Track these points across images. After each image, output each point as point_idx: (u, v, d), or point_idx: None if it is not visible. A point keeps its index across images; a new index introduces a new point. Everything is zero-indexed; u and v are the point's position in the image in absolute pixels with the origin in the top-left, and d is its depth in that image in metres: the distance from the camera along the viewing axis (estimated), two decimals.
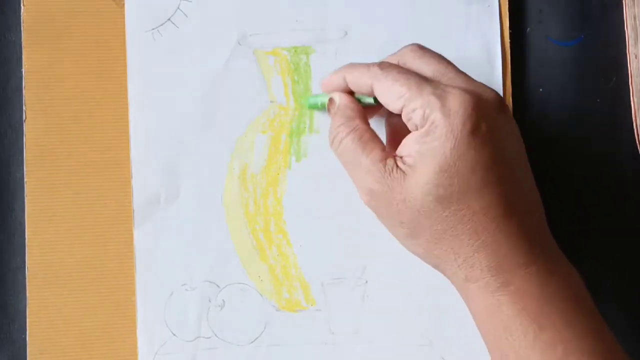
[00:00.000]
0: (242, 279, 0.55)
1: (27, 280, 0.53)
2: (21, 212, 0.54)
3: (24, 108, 0.54)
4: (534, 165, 0.57)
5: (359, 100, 0.50)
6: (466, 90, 0.45)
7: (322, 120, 0.56)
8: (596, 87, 0.58)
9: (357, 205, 0.55)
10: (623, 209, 0.57)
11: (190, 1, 0.55)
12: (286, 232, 0.55)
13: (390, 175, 0.45)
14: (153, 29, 0.55)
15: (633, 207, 0.57)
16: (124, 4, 0.55)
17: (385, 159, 0.46)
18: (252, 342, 0.54)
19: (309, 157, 0.55)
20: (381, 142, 0.48)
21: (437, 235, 0.45)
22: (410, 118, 0.45)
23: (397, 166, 0.45)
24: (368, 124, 0.49)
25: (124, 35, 0.54)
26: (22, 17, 0.54)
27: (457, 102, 0.44)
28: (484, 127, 0.44)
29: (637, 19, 0.57)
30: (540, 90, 0.57)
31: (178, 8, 0.55)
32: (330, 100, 0.51)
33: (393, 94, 0.46)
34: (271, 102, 0.55)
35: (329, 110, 0.51)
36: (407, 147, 0.45)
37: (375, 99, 0.49)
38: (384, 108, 0.48)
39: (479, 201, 0.44)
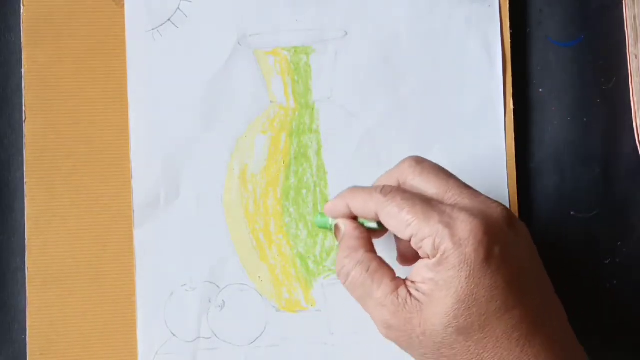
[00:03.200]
0: (242, 280, 0.55)
1: (27, 280, 0.53)
2: (21, 212, 0.53)
3: (24, 108, 0.54)
4: (531, 162, 0.57)
5: (362, 225, 0.49)
6: (473, 213, 0.44)
7: (322, 120, 0.56)
8: (596, 87, 0.58)
9: None
10: (623, 209, 0.57)
11: (190, 1, 0.55)
12: (286, 232, 0.55)
13: (405, 306, 0.44)
14: (153, 29, 0.55)
15: (633, 207, 0.57)
16: (124, 4, 0.55)
17: (397, 288, 0.45)
18: (252, 343, 0.54)
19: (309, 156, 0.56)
20: (389, 269, 0.47)
21: None
22: (421, 247, 0.44)
23: (411, 294, 0.44)
24: (374, 251, 0.48)
25: (124, 35, 0.54)
26: (22, 17, 0.54)
27: (466, 230, 0.43)
28: (497, 250, 0.43)
29: (637, 19, 0.57)
30: (540, 90, 0.57)
31: (178, 8, 0.55)
32: (336, 227, 0.49)
33: (400, 223, 0.45)
34: (271, 102, 0.56)
35: (335, 236, 0.50)
36: (421, 274, 0.44)
37: (379, 223, 0.47)
38: None
39: (501, 327, 0.43)
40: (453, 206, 0.45)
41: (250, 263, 0.55)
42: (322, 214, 0.51)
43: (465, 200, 0.45)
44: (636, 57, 0.57)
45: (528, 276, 0.45)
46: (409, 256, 0.49)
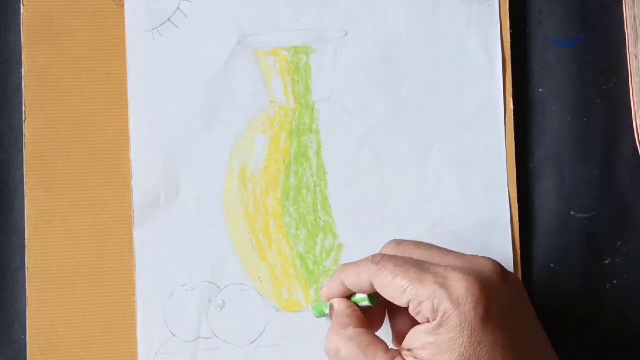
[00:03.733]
0: (242, 280, 0.55)
1: (27, 280, 0.53)
2: (21, 212, 0.53)
3: (24, 108, 0.53)
4: (531, 162, 0.57)
5: (356, 304, 0.48)
6: (466, 271, 0.43)
7: (322, 120, 0.56)
8: (596, 87, 0.58)
9: (358, 205, 0.55)
10: (623, 209, 0.57)
11: (190, 1, 0.55)
12: (286, 232, 0.55)
13: None
14: (153, 29, 0.55)
15: (633, 207, 0.57)
16: (124, 4, 0.55)
17: (393, 359, 0.44)
18: (252, 343, 0.54)
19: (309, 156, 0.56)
20: (382, 342, 0.46)
21: None
22: (420, 311, 0.44)
23: None
24: (365, 326, 0.47)
25: (124, 35, 0.54)
26: (22, 17, 0.54)
27: (462, 289, 0.43)
28: (495, 307, 0.43)
29: (637, 19, 0.57)
30: (540, 90, 0.57)
31: (178, 8, 0.55)
32: (331, 306, 0.49)
33: (396, 289, 0.44)
34: (271, 102, 0.55)
35: (330, 316, 0.49)
36: (419, 339, 0.44)
37: (370, 299, 0.47)
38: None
39: None
40: (445, 267, 0.44)
41: (250, 263, 0.55)
42: (317, 305, 0.51)
43: (453, 261, 0.45)
44: (636, 57, 0.57)
45: (526, 330, 0.45)
46: (404, 329, 0.48)
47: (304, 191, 0.55)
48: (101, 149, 0.54)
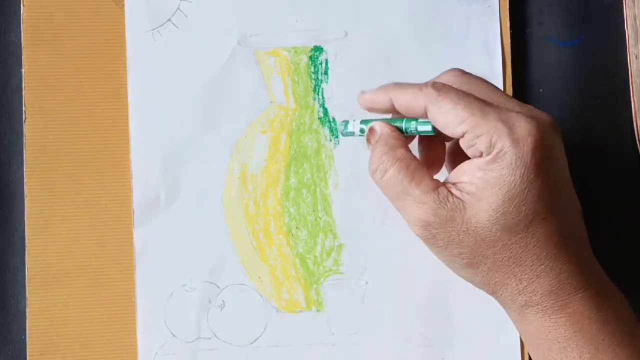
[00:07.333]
0: (242, 280, 0.55)
1: (27, 280, 0.53)
2: (21, 212, 0.53)
3: (23, 108, 0.54)
4: None
5: (401, 131, 0.47)
6: (529, 116, 0.44)
7: (321, 121, 0.56)
8: (596, 87, 0.58)
9: (358, 205, 0.55)
10: (623, 209, 0.57)
11: (190, 1, 0.55)
12: (286, 232, 0.55)
13: (446, 204, 0.44)
14: (153, 29, 0.55)
15: (633, 207, 0.57)
16: (124, 4, 0.55)
17: (437, 187, 0.44)
18: (252, 343, 0.54)
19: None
20: (427, 171, 0.46)
21: (499, 263, 0.44)
22: (474, 144, 0.43)
23: (452, 194, 0.44)
24: (412, 153, 0.47)
25: (124, 35, 0.55)
26: (22, 17, 0.54)
27: (525, 130, 0.43)
28: (549, 154, 0.44)
29: (637, 19, 0.57)
30: (540, 90, 0.57)
31: (178, 8, 0.55)
32: (371, 129, 0.48)
33: (454, 118, 0.44)
34: (271, 102, 0.56)
35: (368, 139, 0.48)
36: (467, 174, 0.44)
37: (427, 127, 0.46)
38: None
39: (544, 228, 0.43)
40: (507, 109, 0.44)
41: (250, 263, 0.55)
42: (344, 122, 0.49)
43: (514, 106, 0.45)
44: (636, 57, 0.57)
45: (567, 186, 0.45)
46: (436, 162, 0.49)
47: (304, 191, 0.55)
48: (101, 149, 0.54)
